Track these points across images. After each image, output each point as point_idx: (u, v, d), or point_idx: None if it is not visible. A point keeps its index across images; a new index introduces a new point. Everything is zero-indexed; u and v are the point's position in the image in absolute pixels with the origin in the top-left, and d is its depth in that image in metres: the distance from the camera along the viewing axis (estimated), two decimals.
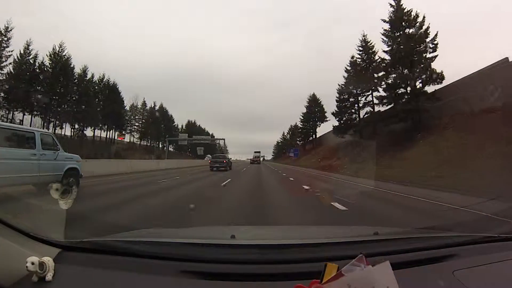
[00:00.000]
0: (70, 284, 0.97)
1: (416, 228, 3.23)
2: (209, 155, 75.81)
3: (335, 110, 36.86)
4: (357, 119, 34.53)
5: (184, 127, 79.48)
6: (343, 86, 35.74)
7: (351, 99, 35.18)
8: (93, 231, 2.20)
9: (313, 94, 58.91)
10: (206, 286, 0.97)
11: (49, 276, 0.93)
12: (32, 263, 0.91)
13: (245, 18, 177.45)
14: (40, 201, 5.15)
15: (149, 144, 68.11)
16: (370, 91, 32.19)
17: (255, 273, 1.02)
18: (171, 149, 71.82)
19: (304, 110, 60.30)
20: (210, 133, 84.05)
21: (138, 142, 66.29)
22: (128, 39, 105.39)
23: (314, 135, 60.35)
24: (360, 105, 34.46)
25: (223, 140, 61.66)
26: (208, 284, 0.97)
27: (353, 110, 35.39)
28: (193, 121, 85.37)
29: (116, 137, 58.55)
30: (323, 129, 56.84)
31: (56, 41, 55.96)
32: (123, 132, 60.03)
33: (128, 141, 63.41)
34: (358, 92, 33.93)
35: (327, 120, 55.37)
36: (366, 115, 33.43)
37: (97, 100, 50.85)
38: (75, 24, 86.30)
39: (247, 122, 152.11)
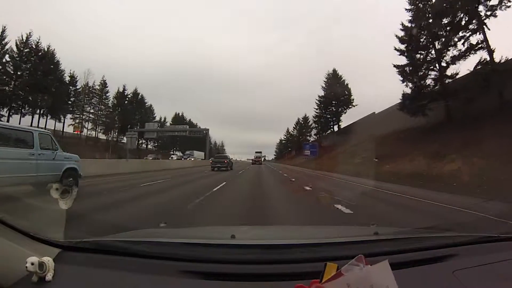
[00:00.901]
0: (70, 284, 0.97)
1: (416, 228, 3.23)
2: (179, 153, 59.43)
3: (399, 69, 20.15)
4: (438, 84, 18.76)
5: (170, 121, 65.85)
6: (410, 26, 19.65)
7: (431, 51, 18.99)
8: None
9: (334, 70, 45.43)
10: (206, 286, 0.97)
11: (49, 276, 0.93)
12: (32, 263, 0.91)
13: (245, 17, 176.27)
14: (39, 201, 5.15)
15: (114, 139, 53.14)
16: (480, 25, 16.45)
17: (255, 273, 1.02)
18: (150, 146, 61.74)
19: (320, 95, 45.79)
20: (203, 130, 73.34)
21: (95, 135, 51.27)
22: (128, 38, 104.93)
23: (336, 126, 44.47)
24: (449, 56, 17.91)
25: (207, 130, 50.95)
26: (208, 284, 0.97)
27: (435, 67, 18.97)
28: (180, 114, 70.92)
29: (65, 129, 44.99)
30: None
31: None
32: (77, 123, 46.21)
33: (89, 135, 48.62)
34: (446, 30, 17.68)
35: (352, 106, 42.60)
36: (478, 67, 16.39)
37: (12, 68, 35.04)
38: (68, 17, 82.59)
39: (247, 122, 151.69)
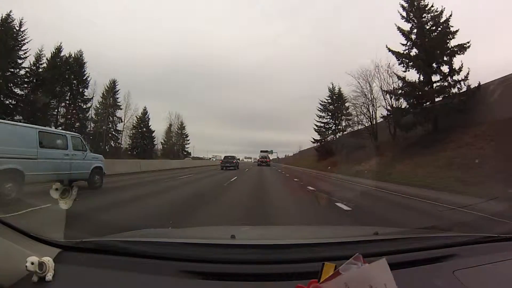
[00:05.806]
0: (70, 284, 0.97)
1: (415, 228, 3.23)
2: None
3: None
4: None
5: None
6: None
7: None
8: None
9: None
10: (206, 286, 0.97)
11: (49, 276, 0.93)
12: (32, 263, 0.91)
13: (245, 5, 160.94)
14: (40, 201, 5.16)
15: None
16: None
17: (255, 273, 1.02)
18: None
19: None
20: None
21: None
22: (119, 29, 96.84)
23: None
24: None
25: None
26: (208, 284, 0.97)
27: None
28: (113, 82, 42.17)
29: None
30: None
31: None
32: None
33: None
34: None
35: None
36: None
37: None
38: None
39: (245, 120, 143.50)
